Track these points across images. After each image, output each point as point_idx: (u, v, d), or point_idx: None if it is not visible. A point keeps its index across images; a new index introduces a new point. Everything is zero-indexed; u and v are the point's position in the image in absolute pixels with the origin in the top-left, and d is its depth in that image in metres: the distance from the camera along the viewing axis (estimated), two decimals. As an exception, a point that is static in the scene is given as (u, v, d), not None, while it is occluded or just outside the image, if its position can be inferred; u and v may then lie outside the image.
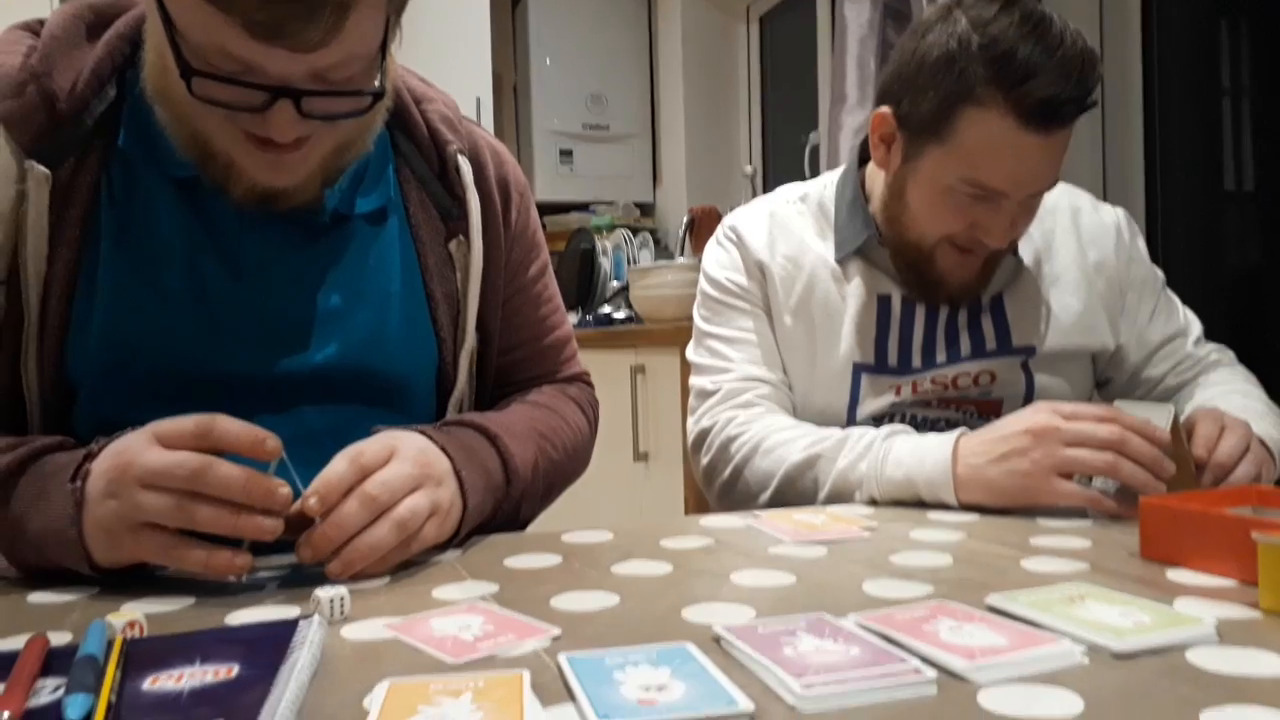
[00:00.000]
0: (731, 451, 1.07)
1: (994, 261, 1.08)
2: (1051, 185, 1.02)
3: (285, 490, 0.64)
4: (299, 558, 0.66)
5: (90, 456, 0.66)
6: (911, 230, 1.06)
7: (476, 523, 0.79)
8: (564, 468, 0.95)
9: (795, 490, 1.01)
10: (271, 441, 0.64)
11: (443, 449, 0.75)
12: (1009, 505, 0.87)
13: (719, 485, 1.11)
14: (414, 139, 0.91)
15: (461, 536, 0.77)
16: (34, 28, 0.80)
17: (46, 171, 0.74)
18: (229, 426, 0.64)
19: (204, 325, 0.79)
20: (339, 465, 0.68)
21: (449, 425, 0.81)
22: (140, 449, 0.63)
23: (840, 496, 0.97)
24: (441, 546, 0.76)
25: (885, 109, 1.05)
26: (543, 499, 0.93)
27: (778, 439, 1.04)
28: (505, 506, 0.83)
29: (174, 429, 0.64)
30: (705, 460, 1.12)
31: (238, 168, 0.75)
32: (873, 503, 0.95)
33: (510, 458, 0.82)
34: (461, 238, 0.90)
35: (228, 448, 0.64)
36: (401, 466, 0.70)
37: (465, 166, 0.90)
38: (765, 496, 1.04)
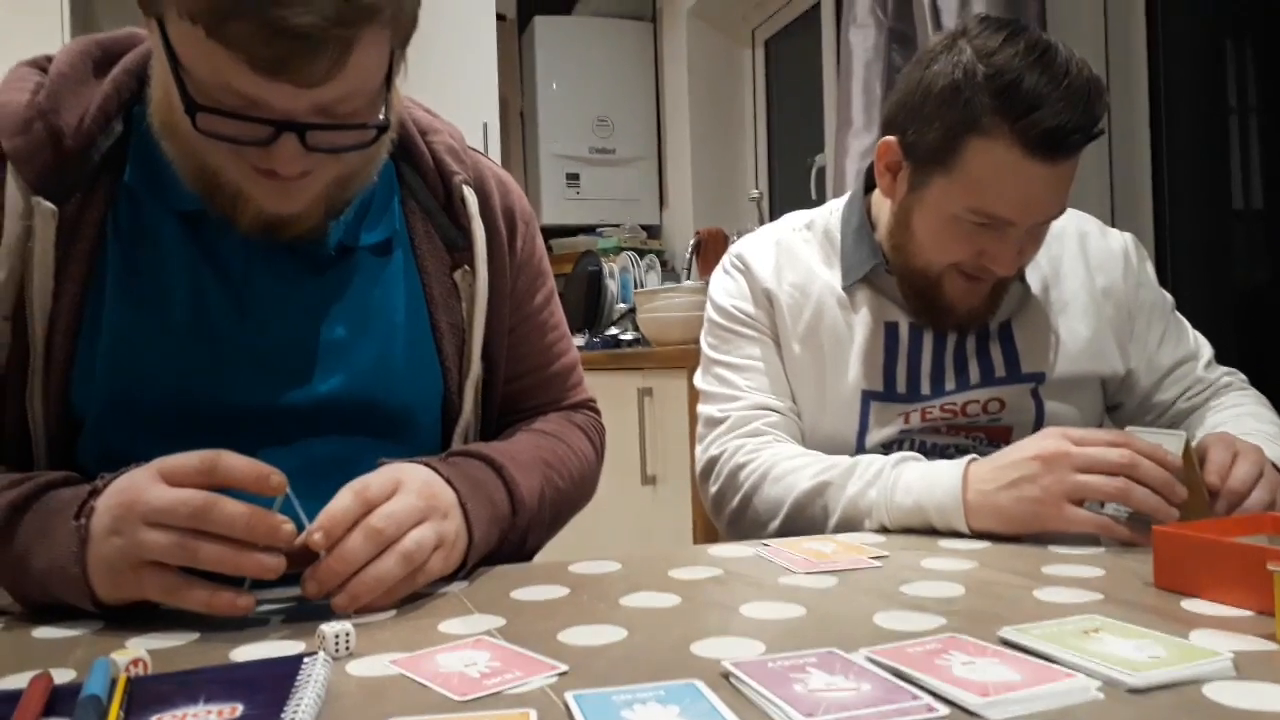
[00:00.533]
0: (740, 480, 1.07)
1: (1002, 288, 1.07)
2: (1059, 213, 1.01)
3: (289, 527, 0.64)
4: (304, 592, 0.66)
5: (95, 493, 0.66)
6: (918, 258, 1.06)
7: (483, 554, 0.78)
8: (570, 496, 0.95)
9: (805, 518, 1.01)
10: (276, 477, 0.64)
11: (448, 481, 0.74)
12: (1020, 532, 0.87)
13: (728, 514, 1.10)
14: (419, 170, 0.91)
15: (468, 569, 0.77)
16: (42, 65, 0.80)
17: (53, 208, 0.75)
18: (233, 463, 0.64)
19: (209, 358, 0.79)
20: (344, 499, 0.67)
21: (454, 456, 0.81)
22: (145, 486, 0.63)
23: (850, 524, 0.97)
24: (448, 578, 0.75)
25: (890, 138, 1.05)
26: (549, 528, 0.92)
27: (786, 467, 1.03)
28: (511, 537, 0.82)
29: (178, 466, 0.64)
30: (714, 489, 1.12)
31: (245, 197, 0.75)
32: (883, 530, 0.94)
33: (516, 488, 0.82)
34: (467, 268, 0.90)
35: (233, 484, 0.64)
36: (407, 499, 0.69)
37: (470, 197, 0.90)
38: (775, 525, 1.03)
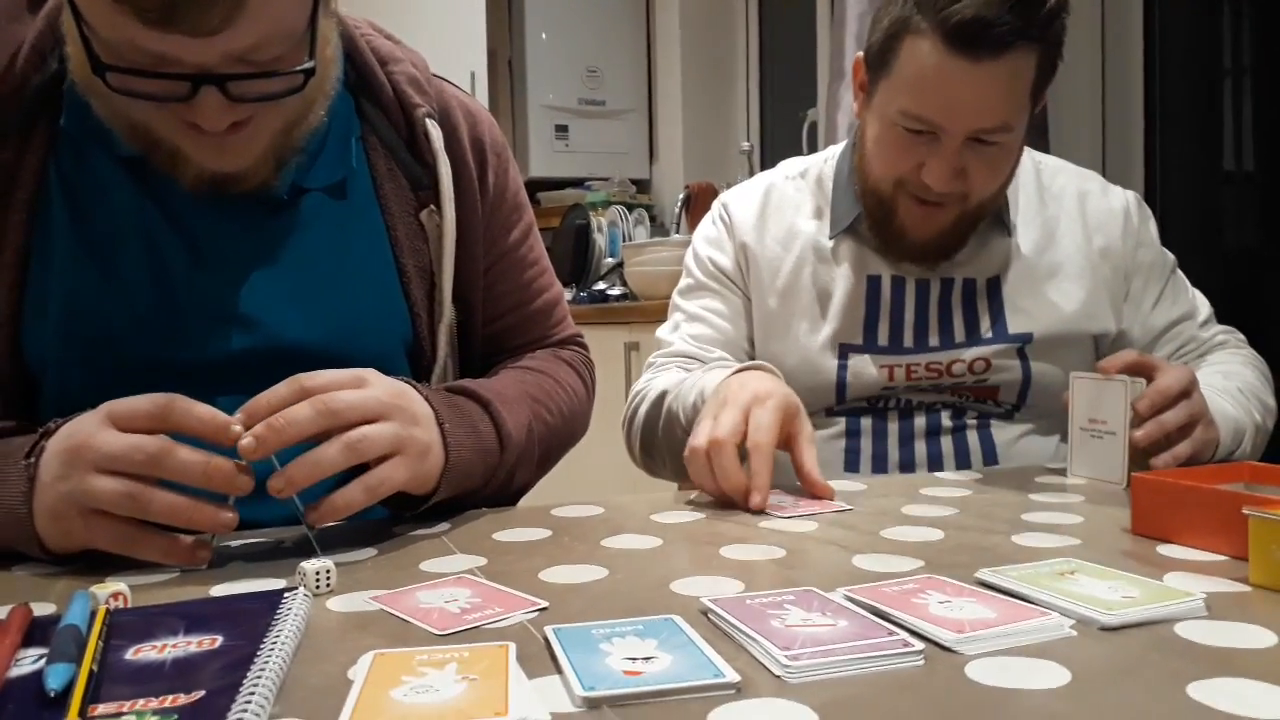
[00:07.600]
0: (629, 409, 1.15)
1: (967, 223, 1.05)
2: (995, 127, 0.97)
3: (247, 477, 0.61)
4: (240, 447, 0.62)
5: (47, 434, 0.63)
6: (869, 177, 1.06)
7: (465, 487, 0.76)
8: (560, 433, 0.93)
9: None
10: (236, 428, 0.61)
11: (426, 399, 0.72)
12: None
13: (636, 453, 1.18)
14: (380, 104, 0.87)
15: (443, 491, 0.73)
16: None
17: None
18: (189, 408, 0.61)
19: (165, 309, 0.77)
20: (280, 389, 0.64)
21: (437, 392, 0.78)
22: (94, 430, 0.60)
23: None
24: (429, 520, 0.75)
25: (859, 53, 1.06)
26: (539, 466, 0.90)
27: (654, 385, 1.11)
28: (498, 475, 0.80)
29: (129, 410, 0.61)
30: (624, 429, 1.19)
31: (183, 154, 0.72)
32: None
33: (503, 423, 0.79)
34: (433, 208, 0.86)
35: (188, 430, 0.61)
36: (370, 392, 0.67)
37: (435, 132, 0.86)
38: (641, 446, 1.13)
